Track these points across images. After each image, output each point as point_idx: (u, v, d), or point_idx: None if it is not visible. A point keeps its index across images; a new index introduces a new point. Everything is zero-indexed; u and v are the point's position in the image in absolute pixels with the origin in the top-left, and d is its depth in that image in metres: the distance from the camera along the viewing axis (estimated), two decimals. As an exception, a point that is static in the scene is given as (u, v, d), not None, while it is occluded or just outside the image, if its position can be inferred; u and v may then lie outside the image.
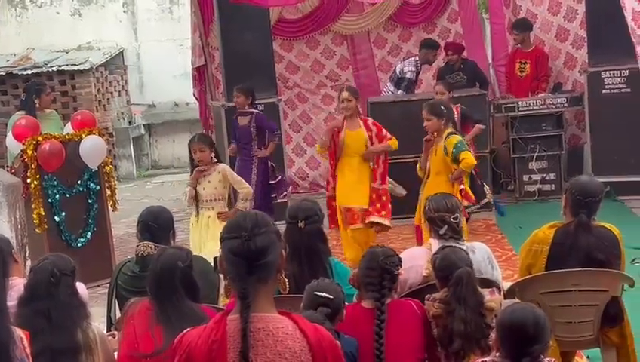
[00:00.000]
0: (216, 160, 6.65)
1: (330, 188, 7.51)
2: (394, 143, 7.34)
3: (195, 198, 6.60)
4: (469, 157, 6.75)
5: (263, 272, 2.31)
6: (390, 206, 7.40)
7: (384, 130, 7.34)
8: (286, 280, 2.43)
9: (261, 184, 8.49)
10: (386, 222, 7.33)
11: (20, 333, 2.64)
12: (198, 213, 6.64)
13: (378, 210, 7.31)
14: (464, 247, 4.17)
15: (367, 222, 7.27)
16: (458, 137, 6.91)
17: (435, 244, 4.29)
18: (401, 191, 7.81)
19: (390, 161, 7.79)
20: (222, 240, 2.36)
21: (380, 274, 3.62)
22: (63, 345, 3.36)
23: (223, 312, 2.37)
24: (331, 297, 3.37)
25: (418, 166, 7.06)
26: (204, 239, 6.60)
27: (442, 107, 6.99)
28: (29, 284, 3.52)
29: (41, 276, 3.49)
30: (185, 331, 2.44)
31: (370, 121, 7.51)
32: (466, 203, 6.77)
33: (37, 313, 3.39)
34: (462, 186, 6.82)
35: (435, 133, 6.83)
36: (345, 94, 7.33)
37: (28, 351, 2.67)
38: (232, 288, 2.34)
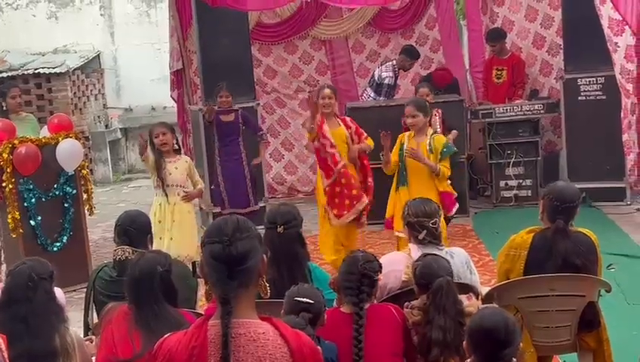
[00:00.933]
0: (177, 147, 6.98)
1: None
2: (370, 141, 7.37)
3: (162, 182, 6.85)
4: (447, 169, 6.80)
5: (245, 277, 2.30)
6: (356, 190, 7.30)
7: (360, 128, 7.40)
8: (267, 285, 2.42)
9: (253, 183, 8.77)
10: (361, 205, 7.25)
11: None
12: (167, 197, 6.87)
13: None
14: (443, 253, 4.19)
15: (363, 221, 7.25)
16: (444, 137, 6.95)
17: (414, 249, 4.30)
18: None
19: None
20: (203, 244, 2.35)
21: (359, 279, 3.63)
22: (40, 350, 3.33)
23: (204, 317, 2.36)
24: (312, 302, 3.36)
25: (388, 162, 6.97)
26: (169, 229, 6.74)
27: (427, 104, 7.03)
28: (7, 288, 3.48)
29: (18, 280, 3.46)
30: (165, 336, 2.42)
31: (348, 119, 7.56)
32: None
33: (14, 317, 3.36)
34: (441, 189, 6.83)
35: (412, 132, 6.84)
36: (327, 92, 7.31)
37: (5, 354, 2.63)
38: (213, 293, 2.33)
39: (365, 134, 7.38)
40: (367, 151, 7.40)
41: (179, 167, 6.90)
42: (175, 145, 6.93)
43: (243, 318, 2.29)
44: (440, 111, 8.33)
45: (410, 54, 10.18)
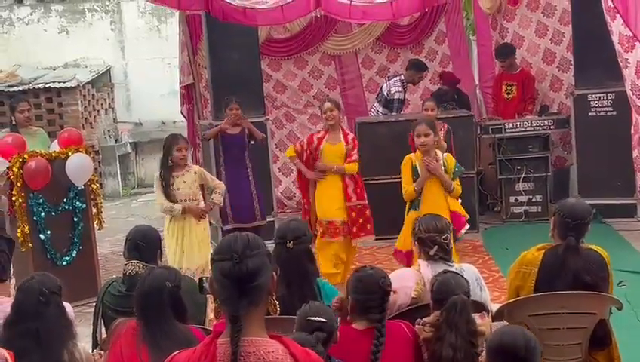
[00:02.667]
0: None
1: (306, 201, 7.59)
2: (351, 167, 7.34)
3: (169, 198, 6.81)
4: (459, 186, 6.77)
5: (254, 295, 2.29)
6: (370, 225, 7.40)
7: (355, 150, 7.38)
8: (277, 303, 2.40)
9: (259, 197, 8.68)
10: (371, 238, 7.33)
11: (4, 354, 2.59)
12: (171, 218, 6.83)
13: (362, 227, 7.31)
14: (453, 269, 4.16)
15: (353, 245, 7.26)
16: (453, 158, 6.92)
17: (424, 265, 4.28)
18: None
19: (376, 182, 7.78)
20: (212, 261, 2.34)
21: (382, 297, 3.61)
22: None
23: (213, 335, 2.34)
24: (325, 321, 3.33)
25: (410, 188, 6.89)
26: (179, 245, 6.70)
27: (434, 123, 7.01)
28: (17, 304, 3.47)
29: (29, 295, 3.44)
30: (174, 354, 2.40)
31: (350, 136, 7.52)
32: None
33: (25, 333, 3.34)
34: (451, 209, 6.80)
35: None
36: (327, 105, 7.39)
37: None
38: (223, 310, 2.31)
39: (355, 157, 7.34)
40: (339, 172, 7.36)
41: (187, 180, 6.87)
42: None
43: (252, 336, 2.27)
44: (445, 126, 8.31)
45: (419, 67, 10.19)
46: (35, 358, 3.23)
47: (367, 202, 7.40)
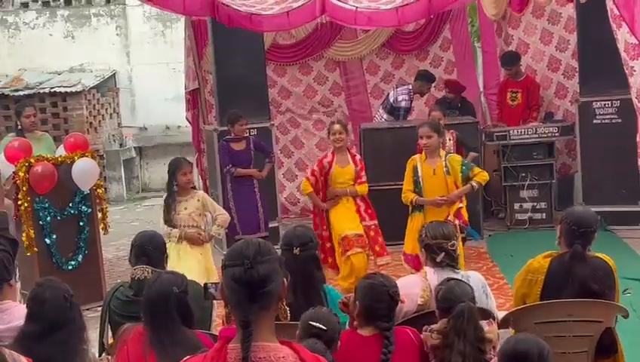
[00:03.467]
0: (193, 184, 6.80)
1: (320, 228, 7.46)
2: (362, 189, 7.37)
3: (170, 225, 6.58)
4: (483, 171, 6.84)
5: (265, 301, 2.29)
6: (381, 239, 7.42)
7: (363, 172, 7.39)
8: (287, 308, 2.41)
9: (265, 209, 8.74)
10: (388, 260, 7.34)
11: (23, 360, 2.58)
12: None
13: (383, 246, 7.35)
14: (459, 276, 4.17)
15: (378, 265, 7.25)
16: (459, 156, 6.95)
17: (430, 272, 4.28)
18: None
19: (381, 188, 7.80)
20: (224, 267, 2.34)
21: (390, 305, 3.62)
22: None
23: (223, 340, 2.34)
24: (324, 329, 3.33)
25: (409, 196, 7.01)
26: (183, 269, 6.57)
27: (440, 125, 7.04)
28: (46, 315, 3.37)
29: (57, 304, 3.38)
30: (184, 359, 2.41)
31: (357, 157, 7.52)
32: (457, 222, 6.76)
33: (56, 343, 3.30)
34: (461, 205, 6.83)
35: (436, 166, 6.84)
36: (337, 127, 7.37)
37: None
38: (233, 316, 2.32)
39: (364, 178, 7.38)
40: (349, 195, 7.37)
41: (188, 208, 6.59)
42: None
43: (263, 342, 2.28)
44: (455, 133, 8.34)
45: (428, 79, 10.21)
46: None
47: (376, 223, 7.41)
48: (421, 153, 7.06)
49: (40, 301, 3.43)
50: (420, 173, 6.89)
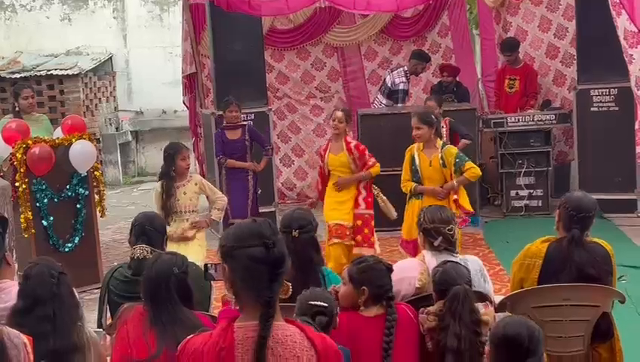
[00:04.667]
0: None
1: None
2: (375, 170, 7.30)
3: (167, 211, 6.49)
4: (475, 167, 6.84)
5: (281, 279, 2.31)
6: (373, 238, 7.35)
7: (367, 155, 7.28)
8: (289, 285, 2.42)
9: (255, 196, 8.58)
10: (371, 251, 7.28)
11: (23, 339, 2.59)
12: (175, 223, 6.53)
13: (366, 238, 7.28)
14: (457, 260, 4.18)
15: (354, 252, 7.20)
16: (455, 148, 6.95)
17: (428, 256, 4.29)
18: (392, 212, 7.50)
19: (380, 173, 7.81)
20: (234, 248, 2.32)
21: (390, 278, 3.67)
22: (64, 346, 3.32)
23: (229, 319, 2.35)
24: (326, 305, 3.35)
25: (409, 186, 7.02)
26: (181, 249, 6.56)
27: (432, 115, 7.03)
28: (30, 291, 3.43)
29: (42, 279, 3.42)
30: (188, 337, 2.41)
31: (353, 144, 7.39)
32: (458, 212, 6.76)
33: (42, 318, 3.33)
34: (455, 197, 6.85)
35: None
36: (339, 114, 7.32)
37: (31, 357, 2.61)
38: (245, 296, 2.31)
39: (372, 161, 7.27)
40: (364, 179, 7.33)
41: (187, 192, 6.56)
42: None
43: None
44: (448, 120, 8.36)
45: (422, 57, 10.16)
46: (51, 340, 3.22)
47: (373, 213, 7.37)
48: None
49: (26, 276, 3.49)
50: (417, 163, 6.92)
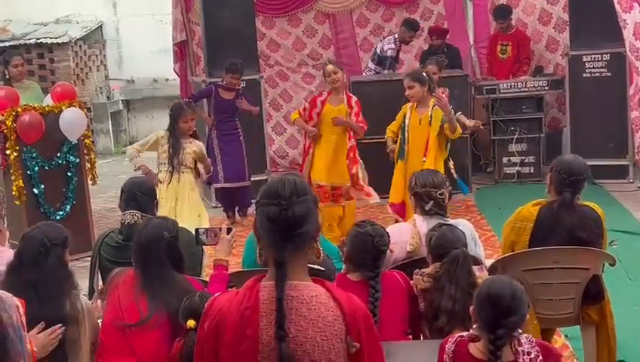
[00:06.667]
0: None
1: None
2: (363, 130, 7.43)
3: (175, 166, 6.75)
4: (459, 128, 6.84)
5: (300, 241, 2.26)
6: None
7: (361, 115, 7.38)
8: (321, 248, 2.39)
9: (245, 153, 8.65)
10: (372, 200, 7.38)
11: (15, 301, 2.58)
12: (170, 179, 6.76)
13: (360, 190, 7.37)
14: (449, 223, 4.19)
15: (353, 199, 7.29)
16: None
17: (419, 220, 4.31)
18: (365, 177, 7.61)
19: (370, 141, 7.81)
20: (258, 204, 2.31)
21: (376, 255, 3.64)
22: (50, 316, 3.32)
23: (255, 278, 2.33)
24: (322, 269, 3.35)
25: (390, 136, 7.06)
26: (173, 206, 6.67)
27: (424, 74, 7.03)
28: (19, 252, 3.47)
29: (30, 244, 3.44)
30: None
31: (354, 99, 7.48)
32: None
33: (25, 283, 3.33)
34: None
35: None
36: (330, 68, 7.33)
37: (24, 319, 2.61)
38: (266, 254, 2.29)
39: (363, 123, 7.39)
40: (356, 132, 7.40)
41: (187, 148, 6.79)
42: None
43: (296, 281, 2.27)
44: (447, 90, 8.35)
45: (411, 26, 10.11)
46: (35, 307, 3.22)
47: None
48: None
49: (22, 238, 3.54)
50: (407, 122, 6.94)
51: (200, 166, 7.03)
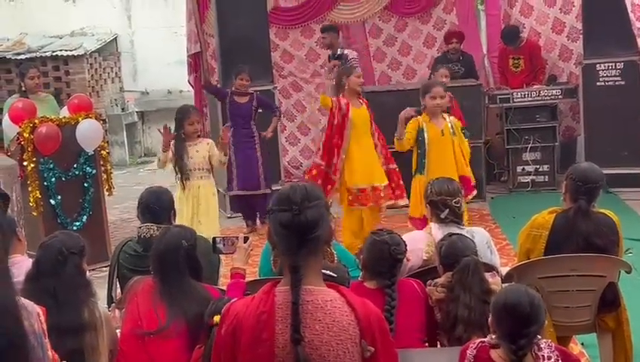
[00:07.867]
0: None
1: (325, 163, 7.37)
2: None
3: (181, 170, 6.73)
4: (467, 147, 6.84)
5: (313, 246, 2.30)
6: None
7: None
8: (334, 252, 2.43)
9: (264, 160, 8.70)
10: (403, 202, 7.35)
11: (37, 309, 2.61)
12: (184, 185, 6.77)
13: (393, 192, 7.35)
14: (464, 232, 4.20)
15: (383, 205, 7.27)
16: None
17: (435, 228, 4.32)
18: None
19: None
20: (270, 211, 2.35)
21: (392, 264, 3.66)
22: (68, 324, 3.34)
23: (271, 283, 2.37)
24: (335, 275, 3.37)
25: (405, 145, 6.99)
26: (196, 213, 6.69)
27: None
28: (37, 261, 3.50)
29: (48, 253, 3.47)
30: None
31: (364, 101, 7.53)
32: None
33: (44, 291, 3.36)
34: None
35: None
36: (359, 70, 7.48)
37: (45, 327, 2.64)
38: (282, 261, 2.34)
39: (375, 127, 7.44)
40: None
41: (200, 150, 6.78)
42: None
43: (311, 285, 2.31)
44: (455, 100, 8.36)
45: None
46: (54, 315, 3.23)
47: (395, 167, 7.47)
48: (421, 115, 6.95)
49: (39, 246, 3.56)
50: (426, 135, 6.73)
51: (215, 161, 6.88)
